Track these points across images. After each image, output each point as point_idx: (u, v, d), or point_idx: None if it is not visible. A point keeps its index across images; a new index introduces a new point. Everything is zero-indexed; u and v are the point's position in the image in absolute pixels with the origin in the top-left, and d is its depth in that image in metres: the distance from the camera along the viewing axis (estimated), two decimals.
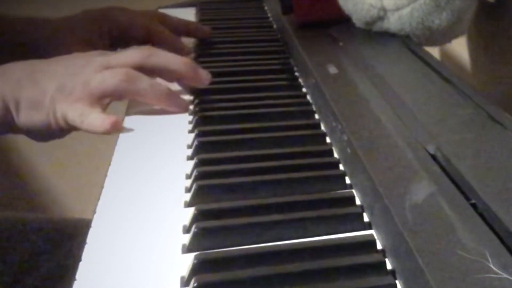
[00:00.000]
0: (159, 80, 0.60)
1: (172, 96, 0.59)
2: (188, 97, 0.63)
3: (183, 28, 0.80)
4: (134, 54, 0.59)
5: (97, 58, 0.59)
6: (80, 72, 0.57)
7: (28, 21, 0.78)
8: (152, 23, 0.78)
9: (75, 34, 0.75)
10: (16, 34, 0.76)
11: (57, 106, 0.56)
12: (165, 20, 0.80)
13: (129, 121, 0.59)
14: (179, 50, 0.73)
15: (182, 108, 0.60)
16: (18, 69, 0.58)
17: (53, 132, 0.58)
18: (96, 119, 0.55)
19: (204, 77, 0.62)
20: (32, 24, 0.78)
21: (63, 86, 0.56)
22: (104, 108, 0.57)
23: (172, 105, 0.59)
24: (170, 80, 0.62)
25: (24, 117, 0.57)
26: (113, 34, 0.77)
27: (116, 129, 0.55)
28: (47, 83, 0.57)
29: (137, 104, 0.60)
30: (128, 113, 0.60)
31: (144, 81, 0.57)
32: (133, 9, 0.79)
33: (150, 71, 0.59)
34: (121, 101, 0.60)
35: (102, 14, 0.78)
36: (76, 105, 0.56)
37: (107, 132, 0.55)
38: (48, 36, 0.76)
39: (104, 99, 0.57)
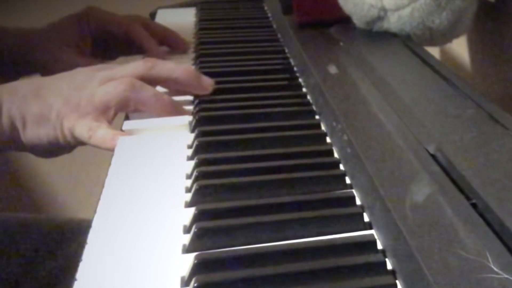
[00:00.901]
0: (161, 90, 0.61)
1: (175, 105, 0.59)
2: (189, 107, 0.62)
3: (161, 35, 0.81)
4: (137, 66, 0.59)
5: (100, 72, 0.59)
6: (84, 86, 0.58)
7: (13, 30, 0.79)
8: (131, 22, 0.78)
9: (59, 39, 0.77)
10: (2, 43, 0.77)
11: (64, 122, 0.57)
12: (147, 24, 0.81)
13: (130, 121, 0.59)
14: (153, 53, 0.75)
15: None
16: (23, 86, 0.59)
17: (60, 147, 0.59)
18: (105, 134, 0.55)
19: (207, 84, 0.62)
20: (17, 33, 0.79)
21: (69, 100, 0.57)
22: (111, 121, 0.57)
23: (175, 115, 0.59)
24: (174, 89, 0.62)
25: (31, 133, 0.57)
26: (94, 34, 0.78)
27: None
28: (52, 98, 0.57)
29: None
30: (128, 113, 0.60)
31: (148, 90, 0.57)
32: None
33: (153, 81, 0.59)
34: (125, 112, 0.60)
35: (81, 15, 0.79)
36: (83, 120, 0.56)
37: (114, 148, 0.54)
38: (34, 43, 0.77)
39: (109, 111, 0.57)
